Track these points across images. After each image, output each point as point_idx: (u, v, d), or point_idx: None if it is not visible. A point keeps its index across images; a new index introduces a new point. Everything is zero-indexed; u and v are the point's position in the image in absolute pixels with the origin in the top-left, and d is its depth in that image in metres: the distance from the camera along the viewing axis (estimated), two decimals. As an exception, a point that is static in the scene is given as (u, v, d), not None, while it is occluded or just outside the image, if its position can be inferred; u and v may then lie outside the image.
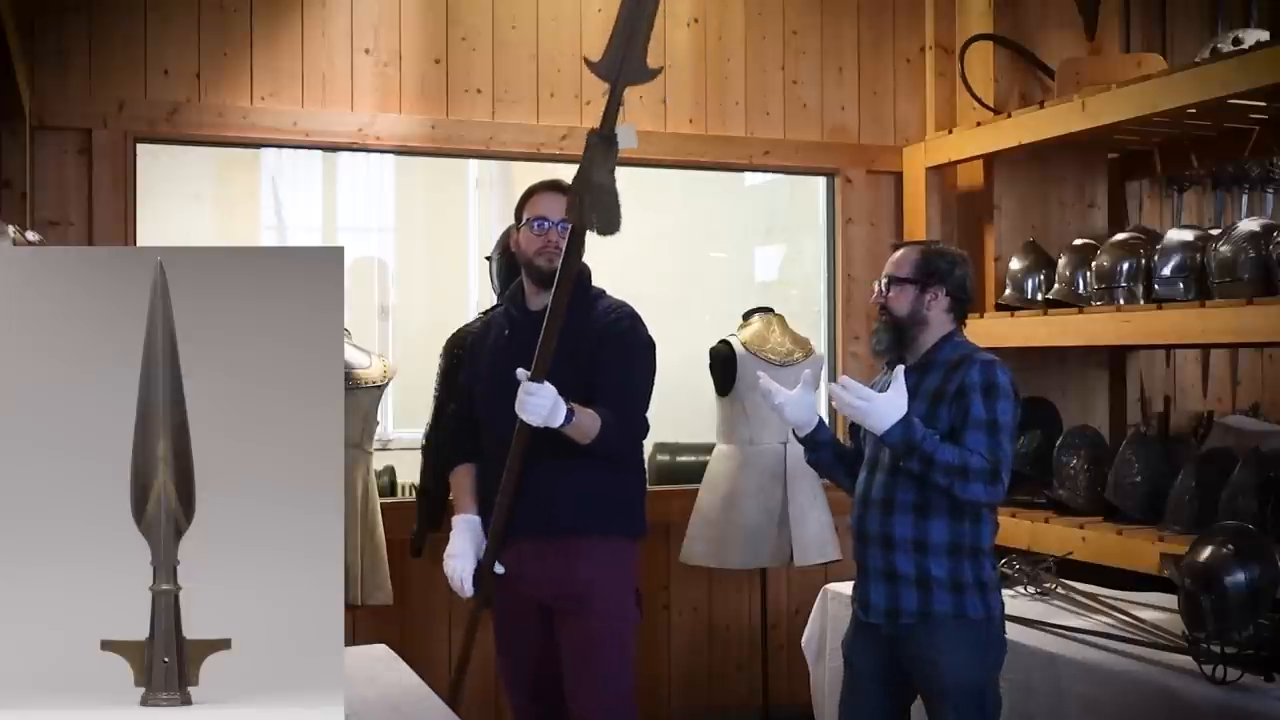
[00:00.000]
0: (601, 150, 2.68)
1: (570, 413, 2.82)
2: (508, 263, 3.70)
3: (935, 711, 2.85)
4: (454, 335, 3.95)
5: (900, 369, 2.83)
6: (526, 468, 2.93)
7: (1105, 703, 2.98)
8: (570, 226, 2.81)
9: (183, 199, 5.58)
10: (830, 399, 2.94)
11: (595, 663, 3.00)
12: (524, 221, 3.05)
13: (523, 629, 3.10)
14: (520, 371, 2.81)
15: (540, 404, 2.77)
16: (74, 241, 4.11)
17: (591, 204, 2.69)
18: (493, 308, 3.65)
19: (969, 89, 4.99)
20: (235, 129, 4.33)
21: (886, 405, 2.75)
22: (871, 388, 3.02)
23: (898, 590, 2.83)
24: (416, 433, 4.14)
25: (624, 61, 2.69)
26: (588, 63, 2.75)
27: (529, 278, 3.08)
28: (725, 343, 4.41)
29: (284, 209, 6.18)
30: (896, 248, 3.08)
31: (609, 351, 3.00)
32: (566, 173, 5.03)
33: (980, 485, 2.73)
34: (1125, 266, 4.11)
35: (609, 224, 2.71)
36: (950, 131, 4.97)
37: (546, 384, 2.79)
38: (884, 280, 2.97)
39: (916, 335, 2.93)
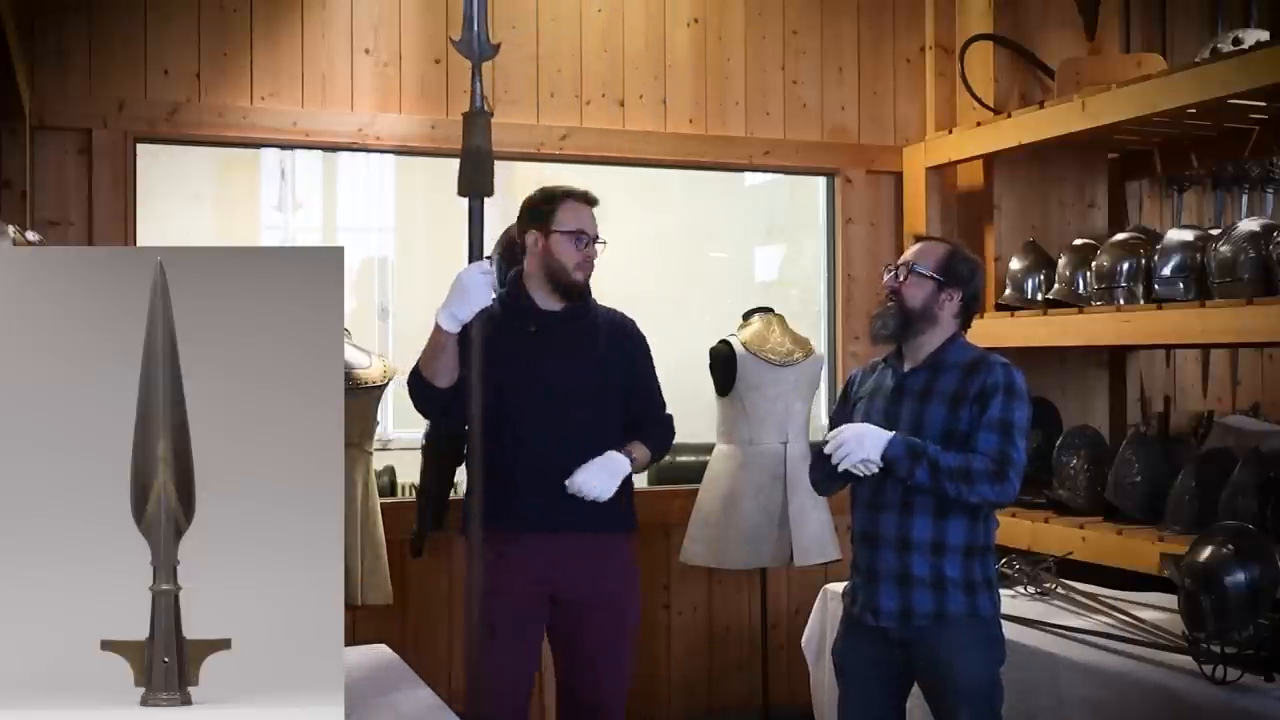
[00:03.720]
0: (476, 122, 2.86)
1: (630, 461, 3.04)
2: (508, 263, 3.68)
3: (948, 711, 2.82)
4: None
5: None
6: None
7: (1105, 703, 2.97)
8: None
9: (183, 199, 5.57)
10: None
11: (622, 657, 3.14)
12: (558, 229, 3.06)
13: (531, 624, 3.09)
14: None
15: (615, 475, 3.01)
16: (74, 241, 4.11)
17: (478, 170, 2.85)
18: None
19: (969, 89, 4.98)
20: (235, 129, 4.33)
21: (868, 425, 2.81)
22: (862, 386, 3.01)
23: (910, 593, 2.81)
24: (416, 433, 4.13)
25: (476, 40, 2.86)
26: (451, 41, 2.89)
27: (554, 285, 3.09)
28: (725, 343, 4.40)
29: (284, 209, 6.18)
30: (920, 239, 3.05)
31: (637, 357, 3.20)
32: (567, 173, 5.02)
33: (987, 485, 2.72)
34: (1125, 266, 4.10)
35: (489, 185, 2.85)
36: (950, 131, 4.97)
37: (619, 455, 3.03)
38: (901, 268, 2.91)
39: (922, 331, 2.88)
